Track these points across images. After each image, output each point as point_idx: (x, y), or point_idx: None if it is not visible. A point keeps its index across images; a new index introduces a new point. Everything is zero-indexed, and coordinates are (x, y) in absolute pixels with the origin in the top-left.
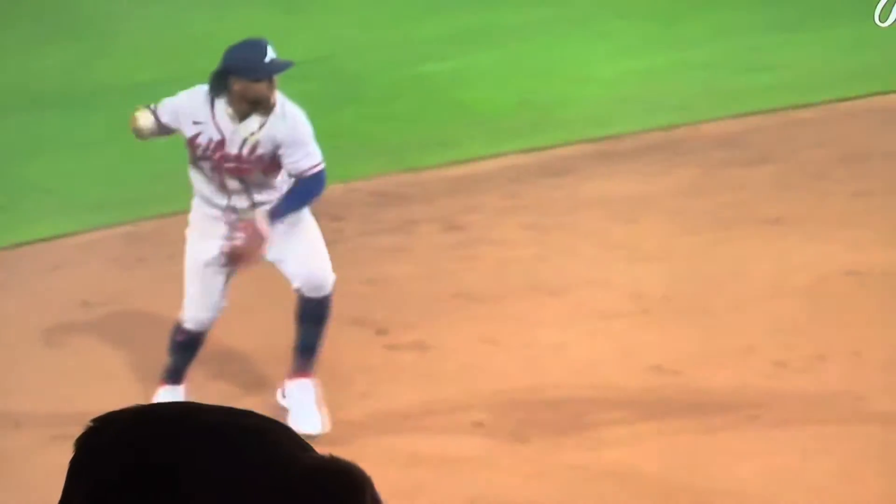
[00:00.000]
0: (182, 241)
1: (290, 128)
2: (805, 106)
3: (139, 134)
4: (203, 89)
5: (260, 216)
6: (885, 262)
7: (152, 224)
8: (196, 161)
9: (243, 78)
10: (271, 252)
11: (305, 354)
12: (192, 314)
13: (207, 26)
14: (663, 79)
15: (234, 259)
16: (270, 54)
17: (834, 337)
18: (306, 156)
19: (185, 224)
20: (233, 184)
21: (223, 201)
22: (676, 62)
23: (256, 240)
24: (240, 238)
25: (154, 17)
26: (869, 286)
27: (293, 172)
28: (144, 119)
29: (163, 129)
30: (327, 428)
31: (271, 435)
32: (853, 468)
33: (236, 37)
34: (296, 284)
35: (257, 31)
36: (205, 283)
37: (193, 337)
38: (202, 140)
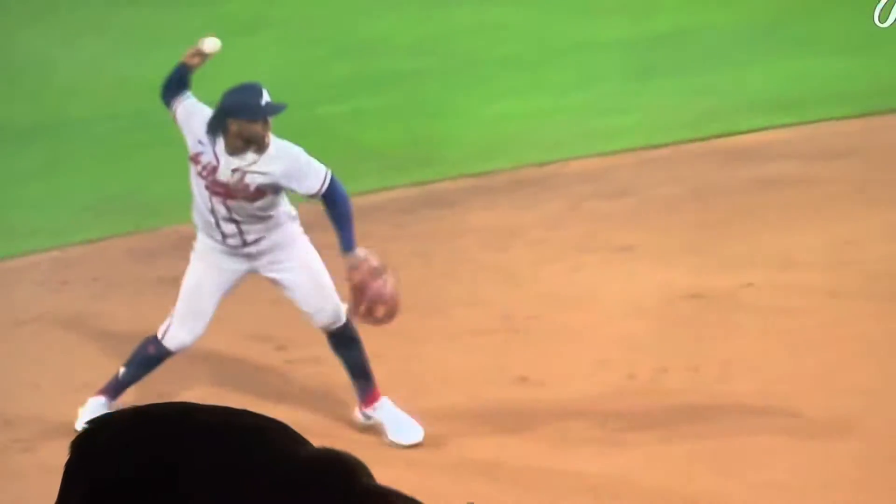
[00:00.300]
0: (104, 265)
1: (285, 163)
2: (659, 146)
3: (196, 52)
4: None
5: (351, 262)
6: (724, 286)
7: (77, 250)
8: (195, 178)
9: (240, 118)
10: (286, 292)
11: (361, 378)
12: (176, 334)
13: (132, 69)
14: (536, 120)
15: (378, 306)
16: (265, 97)
17: (676, 353)
18: (313, 177)
19: (108, 250)
20: (220, 209)
21: (212, 220)
22: (548, 106)
23: (373, 274)
24: (371, 284)
25: (83, 60)
26: (708, 308)
27: (310, 195)
28: (213, 45)
29: (181, 98)
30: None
31: (268, 433)
32: (689, 468)
33: (157, 78)
34: (315, 324)
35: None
36: (199, 309)
37: (164, 355)
38: (202, 160)
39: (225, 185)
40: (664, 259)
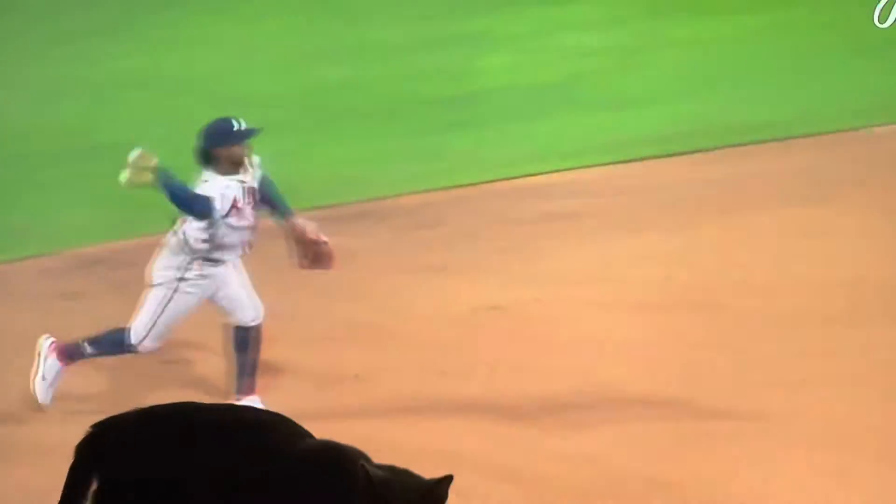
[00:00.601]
0: (17, 281)
1: (260, 167)
2: (468, 185)
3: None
4: (209, 175)
5: (299, 223)
6: (517, 299)
7: None
8: (234, 213)
9: (228, 145)
10: (220, 298)
11: (251, 375)
12: (150, 343)
13: (37, 117)
14: (374, 163)
15: (327, 259)
16: (239, 124)
17: (479, 354)
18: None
19: (20, 270)
20: (253, 219)
21: (248, 238)
22: (383, 151)
23: (316, 230)
24: (315, 240)
25: None
26: (505, 317)
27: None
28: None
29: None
30: None
31: (270, 426)
32: (493, 452)
33: (56, 126)
34: (240, 320)
35: (73, 122)
36: (174, 328)
37: (129, 353)
38: (238, 197)
39: (251, 193)
40: (470, 277)
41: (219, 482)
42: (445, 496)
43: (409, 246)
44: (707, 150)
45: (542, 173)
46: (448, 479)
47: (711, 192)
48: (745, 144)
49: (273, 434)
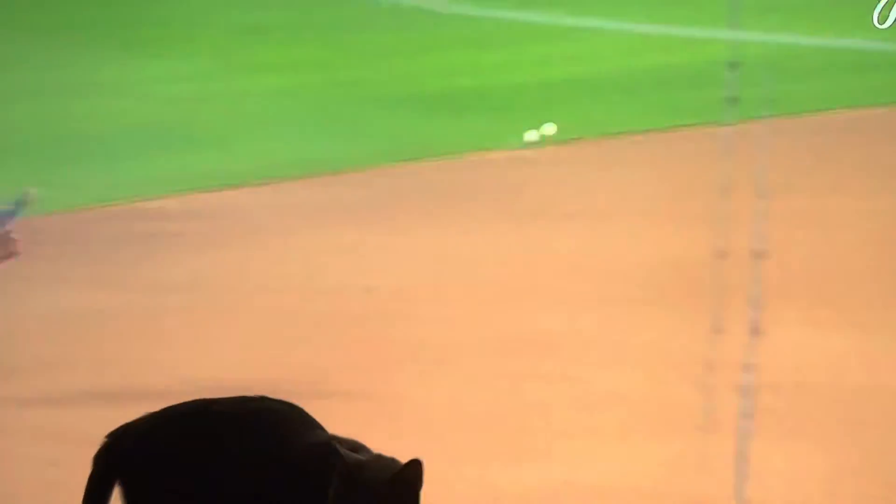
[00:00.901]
0: None
1: None
2: (82, 208)
3: None
4: None
5: None
6: (117, 304)
7: None
8: None
9: None
10: None
11: None
12: None
13: None
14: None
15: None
16: None
17: (81, 351)
18: None
19: None
20: None
21: None
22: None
23: None
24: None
25: None
26: (105, 319)
27: None
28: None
29: None
30: None
31: (279, 416)
32: (103, 433)
33: None
34: None
35: None
36: None
37: None
38: None
39: None
40: (79, 286)
41: (229, 480)
42: (418, 478)
43: (33, 261)
44: (270, 182)
45: (140, 199)
46: (417, 463)
47: (272, 216)
48: (298, 178)
49: (283, 428)
